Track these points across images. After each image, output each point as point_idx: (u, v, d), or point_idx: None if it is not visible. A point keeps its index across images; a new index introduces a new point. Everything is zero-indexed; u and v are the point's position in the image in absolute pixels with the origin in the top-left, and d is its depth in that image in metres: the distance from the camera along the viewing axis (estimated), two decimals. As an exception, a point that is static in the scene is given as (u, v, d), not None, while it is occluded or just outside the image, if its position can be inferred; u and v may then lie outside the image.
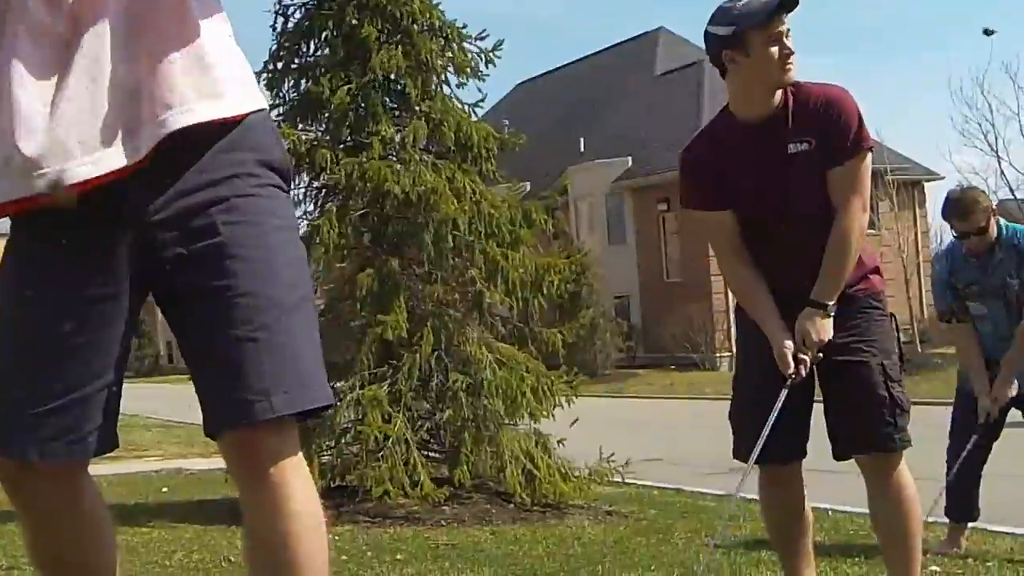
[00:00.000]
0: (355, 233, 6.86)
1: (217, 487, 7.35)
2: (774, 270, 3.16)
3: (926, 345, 24.14)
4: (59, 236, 1.74)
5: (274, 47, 7.10)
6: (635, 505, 6.89)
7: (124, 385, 1.83)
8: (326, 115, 6.93)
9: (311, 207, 7.06)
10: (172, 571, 4.88)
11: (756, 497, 3.43)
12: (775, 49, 3.00)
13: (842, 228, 3.07)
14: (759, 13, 2.98)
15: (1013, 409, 5.02)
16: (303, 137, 6.83)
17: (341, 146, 6.89)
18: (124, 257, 1.74)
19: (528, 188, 7.79)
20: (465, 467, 6.36)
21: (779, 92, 3.07)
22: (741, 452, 3.24)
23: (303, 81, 7.08)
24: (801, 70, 3.07)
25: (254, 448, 1.72)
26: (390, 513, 6.29)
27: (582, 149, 30.94)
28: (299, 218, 6.86)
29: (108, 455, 1.85)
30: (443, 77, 7.03)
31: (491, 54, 7.04)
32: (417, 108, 6.88)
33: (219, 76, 1.74)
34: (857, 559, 4.71)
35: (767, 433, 3.07)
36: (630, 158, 29.05)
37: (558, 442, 6.71)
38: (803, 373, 3.07)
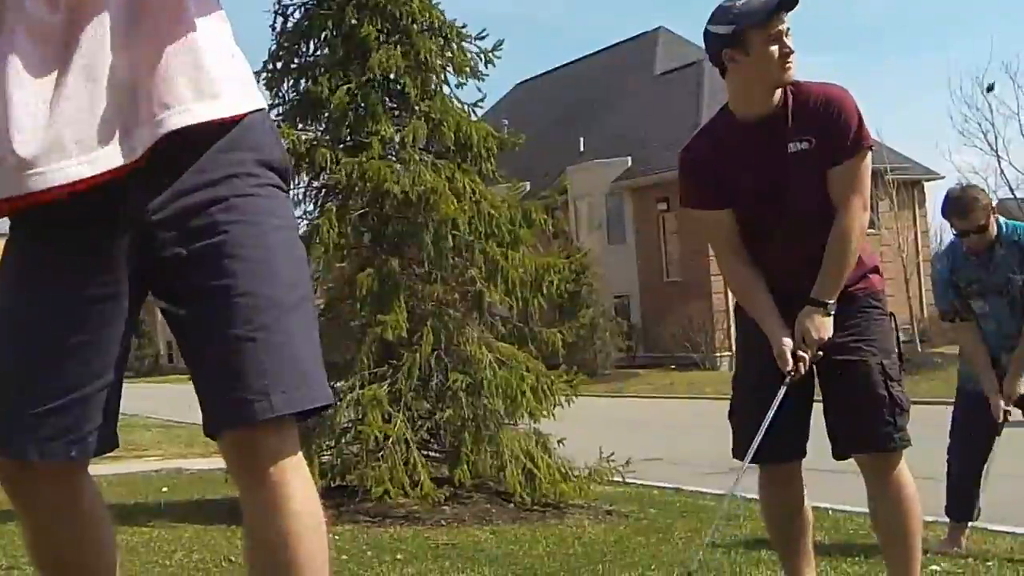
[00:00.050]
0: (355, 233, 6.86)
1: (217, 487, 7.35)
2: (774, 269, 3.16)
3: (926, 344, 24.16)
4: (59, 236, 1.74)
5: (273, 47, 7.10)
6: (635, 505, 6.89)
7: (124, 385, 1.83)
8: (325, 115, 6.93)
9: (311, 207, 7.07)
10: (172, 571, 4.88)
11: (756, 496, 3.42)
12: (775, 48, 3.00)
13: (842, 227, 3.07)
14: (759, 12, 2.98)
15: (1014, 408, 5.02)
16: (302, 137, 6.83)
17: (341, 146, 6.88)
18: (124, 257, 1.74)
19: (528, 188, 7.79)
20: (465, 467, 6.36)
21: (779, 91, 3.07)
22: (741, 451, 3.24)
23: (302, 81, 7.08)
24: (801, 69, 3.07)
25: (254, 448, 1.72)
26: (390, 513, 6.29)
27: (582, 149, 30.94)
28: (299, 218, 6.86)
29: (108, 455, 1.85)
30: (442, 77, 7.03)
31: (491, 54, 7.04)
32: (417, 108, 6.88)
33: (217, 76, 1.74)
34: (857, 558, 4.71)
35: (766, 431, 3.07)
36: (630, 158, 29.05)
37: (558, 442, 6.71)
38: (802, 371, 3.07)
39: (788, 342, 3.06)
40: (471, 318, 6.80)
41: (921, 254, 28.50)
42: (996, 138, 27.11)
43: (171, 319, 1.79)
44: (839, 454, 3.20)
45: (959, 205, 4.84)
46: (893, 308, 3.49)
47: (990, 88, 24.81)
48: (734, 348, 3.57)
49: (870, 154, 3.13)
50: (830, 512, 6.13)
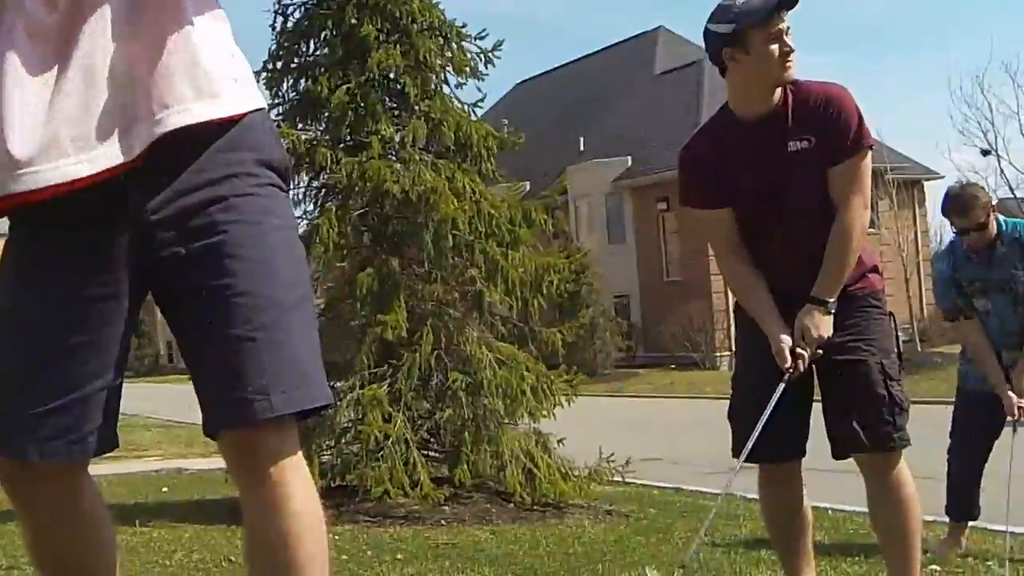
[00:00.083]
0: (355, 232, 6.86)
1: (217, 487, 7.35)
2: (774, 268, 3.16)
3: (926, 344, 24.16)
4: (59, 236, 1.74)
5: (273, 47, 7.10)
6: (635, 504, 6.89)
7: (124, 385, 1.83)
8: (325, 115, 6.93)
9: (311, 206, 7.07)
10: (172, 571, 4.88)
11: (756, 496, 3.42)
12: (775, 47, 3.00)
13: (843, 225, 3.07)
14: (759, 11, 2.98)
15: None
16: (302, 137, 6.83)
17: (341, 146, 6.88)
18: (123, 257, 1.74)
19: (528, 188, 7.78)
20: (465, 467, 6.36)
21: (779, 90, 3.07)
22: (740, 451, 3.24)
23: (302, 81, 7.08)
24: (801, 68, 3.07)
25: (254, 448, 1.72)
26: (390, 513, 6.29)
27: (581, 148, 30.95)
28: (299, 218, 6.86)
29: (108, 455, 1.85)
30: (442, 76, 7.03)
31: (490, 54, 7.04)
32: (416, 107, 6.88)
33: (217, 76, 1.74)
34: (857, 558, 4.71)
35: (764, 429, 3.06)
36: (629, 157, 29.06)
37: (558, 442, 6.71)
38: (801, 368, 3.06)
39: (787, 339, 3.06)
40: (471, 318, 6.80)
41: (921, 254, 28.50)
42: (996, 137, 27.10)
43: (171, 319, 1.79)
44: (838, 454, 3.20)
45: (959, 203, 4.85)
46: (893, 308, 3.49)
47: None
48: (734, 348, 3.57)
49: (870, 153, 3.13)
50: (830, 512, 6.13)
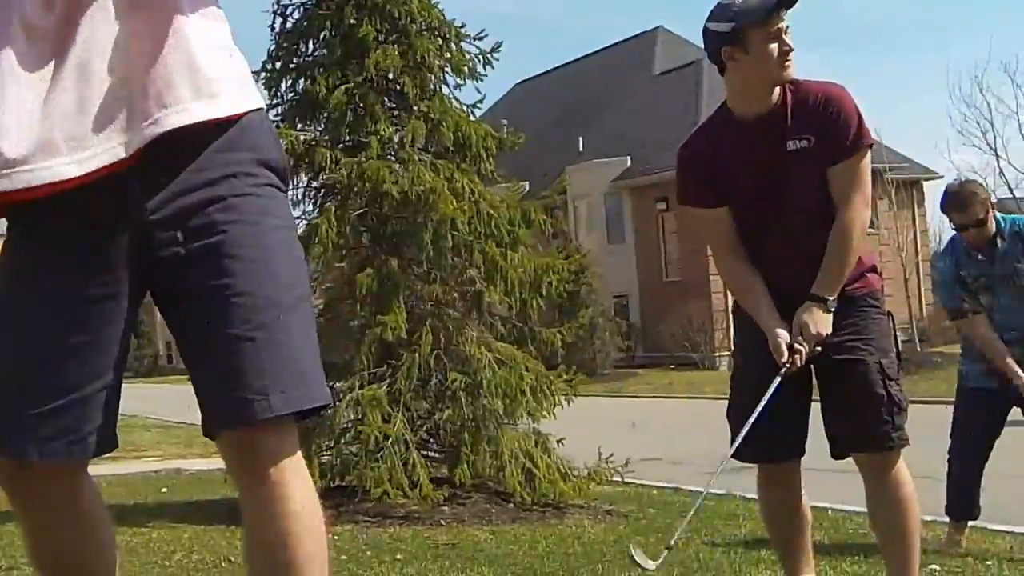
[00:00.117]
0: (354, 233, 6.85)
1: (216, 487, 7.35)
2: (772, 267, 3.16)
3: (925, 344, 24.17)
4: (58, 236, 1.74)
5: (272, 47, 7.10)
6: (634, 504, 6.89)
7: (123, 385, 1.83)
8: (324, 115, 6.93)
9: (310, 207, 7.07)
10: (171, 571, 4.88)
11: (756, 496, 3.42)
12: (774, 46, 3.00)
13: (844, 224, 3.07)
14: (758, 10, 2.98)
15: (1015, 408, 5.02)
16: (301, 137, 6.83)
17: (340, 146, 6.88)
18: (122, 257, 1.74)
19: (527, 188, 7.77)
20: (464, 467, 6.36)
21: (778, 89, 3.07)
22: (739, 451, 3.25)
23: (301, 81, 7.08)
24: (800, 67, 3.08)
25: (253, 448, 1.72)
26: (390, 513, 6.29)
27: (581, 149, 30.95)
28: (298, 218, 6.86)
29: (107, 455, 1.85)
30: (441, 77, 7.02)
31: (489, 55, 7.04)
32: (416, 108, 6.88)
33: (215, 76, 1.74)
34: (857, 558, 4.71)
35: (764, 429, 3.06)
36: (629, 157, 29.07)
37: (558, 442, 6.71)
38: (798, 364, 3.05)
39: (784, 334, 3.06)
40: (470, 318, 6.80)
41: (920, 253, 28.53)
42: (995, 137, 27.13)
43: (170, 319, 1.78)
44: (837, 453, 3.20)
45: (958, 199, 4.85)
46: (892, 308, 3.49)
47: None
48: (733, 348, 3.57)
49: (870, 152, 3.13)
50: (830, 512, 6.13)
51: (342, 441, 6.51)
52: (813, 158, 3.06)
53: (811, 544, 3.39)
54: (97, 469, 3.55)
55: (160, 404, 17.98)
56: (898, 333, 3.32)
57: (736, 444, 3.11)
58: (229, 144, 1.76)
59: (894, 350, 3.21)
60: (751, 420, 3.04)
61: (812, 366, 3.15)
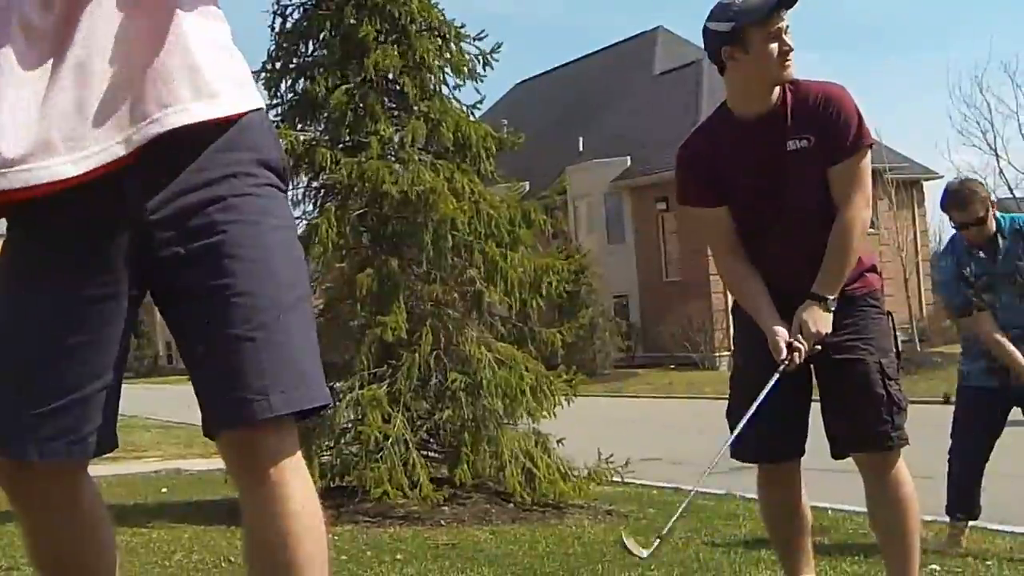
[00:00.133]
0: (354, 233, 6.85)
1: (216, 487, 7.35)
2: (772, 267, 3.16)
3: (925, 344, 24.17)
4: (57, 236, 1.74)
5: (272, 47, 7.10)
6: (634, 504, 6.89)
7: (123, 385, 1.83)
8: (324, 115, 6.93)
9: (310, 207, 7.07)
10: (171, 571, 4.88)
11: (755, 496, 3.42)
12: (774, 46, 3.00)
13: (844, 223, 3.07)
14: (759, 9, 2.98)
15: (1015, 407, 5.02)
16: (301, 138, 6.83)
17: (340, 146, 6.88)
18: (122, 257, 1.73)
19: (527, 188, 7.77)
20: (465, 467, 6.36)
21: (778, 89, 3.07)
22: (739, 451, 3.25)
23: (301, 81, 7.08)
24: (800, 67, 3.07)
25: (253, 448, 1.72)
26: (390, 513, 6.29)
27: (581, 149, 30.94)
28: (298, 218, 6.86)
29: (107, 456, 1.85)
30: (440, 77, 7.02)
31: (489, 56, 7.04)
32: (416, 108, 6.88)
33: (215, 76, 1.74)
34: (857, 558, 4.71)
35: (763, 429, 3.07)
36: (629, 158, 29.06)
37: (558, 442, 6.71)
38: (797, 361, 3.05)
39: (782, 331, 3.06)
40: (470, 318, 6.80)
41: (920, 253, 28.52)
42: (995, 137, 27.13)
43: (170, 319, 1.78)
44: (837, 453, 3.20)
45: (958, 197, 4.85)
46: (892, 308, 3.49)
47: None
48: (732, 348, 3.57)
49: (870, 152, 3.13)
50: (830, 512, 6.13)
51: (342, 441, 6.51)
52: (813, 158, 3.06)
53: (811, 544, 3.39)
54: (97, 469, 3.55)
55: (160, 404, 17.98)
56: (898, 333, 3.32)
57: (731, 438, 3.11)
58: (229, 144, 1.76)
59: (894, 350, 3.21)
60: (748, 415, 3.04)
61: (812, 366, 3.15)
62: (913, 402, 3.25)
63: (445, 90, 7.02)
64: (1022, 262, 4.82)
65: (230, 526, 5.74)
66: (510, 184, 7.45)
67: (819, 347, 3.07)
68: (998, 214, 4.91)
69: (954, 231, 5.02)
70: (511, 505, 6.49)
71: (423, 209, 6.53)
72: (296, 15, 7.10)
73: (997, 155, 25.88)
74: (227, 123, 1.75)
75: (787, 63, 3.02)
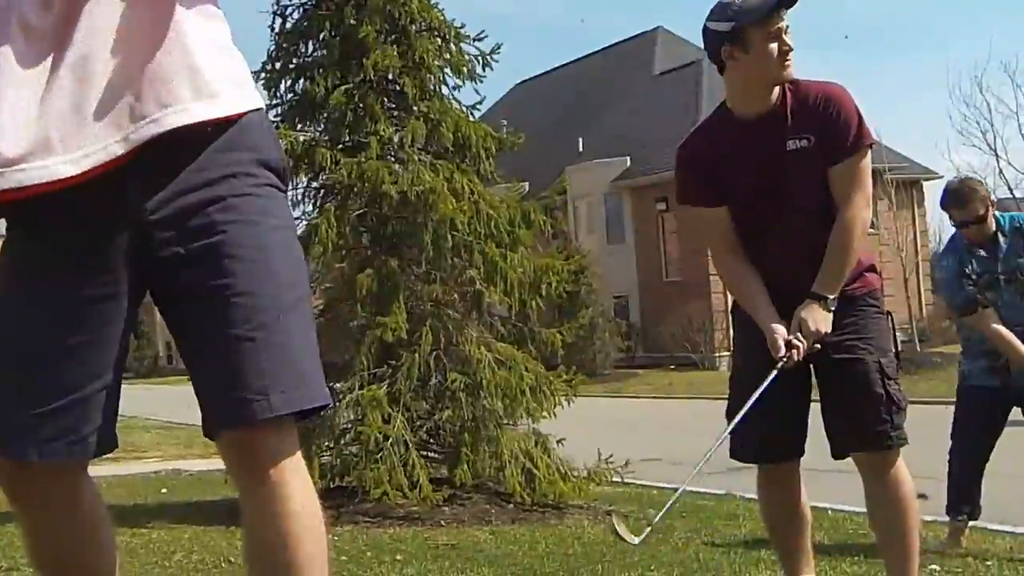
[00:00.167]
0: (354, 233, 6.85)
1: (216, 488, 7.35)
2: (772, 267, 3.16)
3: (925, 344, 24.17)
4: (57, 236, 1.74)
5: (272, 47, 7.10)
6: (634, 505, 6.88)
7: (123, 386, 1.83)
8: (324, 115, 6.93)
9: (309, 207, 7.07)
10: (171, 572, 4.88)
11: (755, 496, 3.42)
12: (774, 45, 3.00)
13: (844, 223, 3.07)
14: (759, 9, 2.98)
15: (1015, 407, 5.02)
16: (301, 138, 6.83)
17: (339, 146, 6.88)
18: (122, 257, 1.73)
19: (527, 188, 7.77)
20: (464, 467, 6.36)
21: (777, 89, 3.07)
22: (738, 452, 3.24)
23: (301, 81, 7.08)
24: (799, 67, 3.07)
25: (253, 448, 1.72)
26: (390, 513, 6.29)
27: (580, 149, 30.93)
28: (297, 218, 6.86)
29: (107, 456, 1.85)
30: (440, 77, 7.02)
31: (489, 57, 7.04)
32: (415, 108, 6.88)
33: (215, 76, 1.74)
34: (857, 558, 4.71)
35: (764, 427, 3.07)
36: (628, 158, 29.05)
37: (557, 442, 6.71)
38: (795, 359, 3.05)
39: (781, 329, 3.06)
40: (470, 318, 6.80)
41: (920, 253, 28.51)
42: (995, 137, 27.13)
43: (170, 319, 1.78)
44: (837, 453, 3.20)
45: (958, 196, 4.86)
46: (892, 308, 3.49)
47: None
48: (732, 348, 3.57)
49: (870, 152, 3.13)
50: (830, 512, 6.13)
51: (342, 441, 6.51)
52: (813, 158, 3.06)
53: (811, 544, 3.39)
54: (97, 470, 3.55)
55: (160, 404, 17.98)
56: (898, 333, 3.32)
57: (725, 434, 3.11)
58: (229, 144, 1.76)
59: (893, 350, 3.21)
60: (743, 410, 3.04)
61: (811, 366, 3.15)
62: (913, 402, 3.25)
63: (445, 90, 7.03)
64: (1023, 260, 4.83)
65: (230, 526, 5.74)
66: (510, 184, 7.45)
67: (818, 346, 3.06)
68: (997, 213, 4.92)
69: (954, 230, 5.02)
70: (511, 505, 6.49)
71: (423, 209, 6.53)
72: (296, 15, 7.10)
73: (997, 155, 25.92)
74: (227, 123, 1.75)
75: (787, 63, 3.02)
